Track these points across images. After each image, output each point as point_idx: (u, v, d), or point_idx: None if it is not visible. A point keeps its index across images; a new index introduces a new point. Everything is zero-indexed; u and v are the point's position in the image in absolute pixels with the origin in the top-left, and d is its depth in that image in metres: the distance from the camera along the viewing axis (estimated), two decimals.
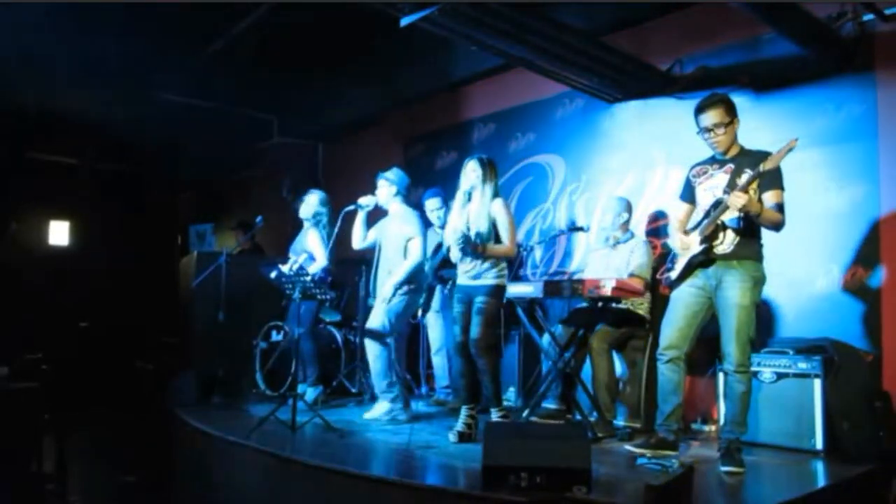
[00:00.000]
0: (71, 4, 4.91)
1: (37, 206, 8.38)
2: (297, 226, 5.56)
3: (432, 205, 5.36)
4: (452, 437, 3.87)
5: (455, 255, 4.02)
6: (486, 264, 3.94)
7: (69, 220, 8.72)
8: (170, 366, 5.95)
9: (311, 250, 5.19)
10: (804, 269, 4.23)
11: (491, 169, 4.03)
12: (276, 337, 5.51)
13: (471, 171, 4.04)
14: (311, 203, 5.36)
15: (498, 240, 3.95)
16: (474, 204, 4.02)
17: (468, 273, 4.00)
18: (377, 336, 4.47)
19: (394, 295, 4.45)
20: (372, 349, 4.49)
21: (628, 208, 4.66)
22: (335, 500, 3.21)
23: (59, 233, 8.68)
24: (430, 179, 6.27)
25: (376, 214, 4.85)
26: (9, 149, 7.55)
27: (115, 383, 6.62)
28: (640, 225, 4.95)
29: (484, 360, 3.91)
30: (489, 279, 3.94)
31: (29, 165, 8.05)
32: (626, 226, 4.63)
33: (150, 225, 9.13)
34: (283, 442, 3.77)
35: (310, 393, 5.16)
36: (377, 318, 4.49)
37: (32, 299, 7.46)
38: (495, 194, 4.00)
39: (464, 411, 4.01)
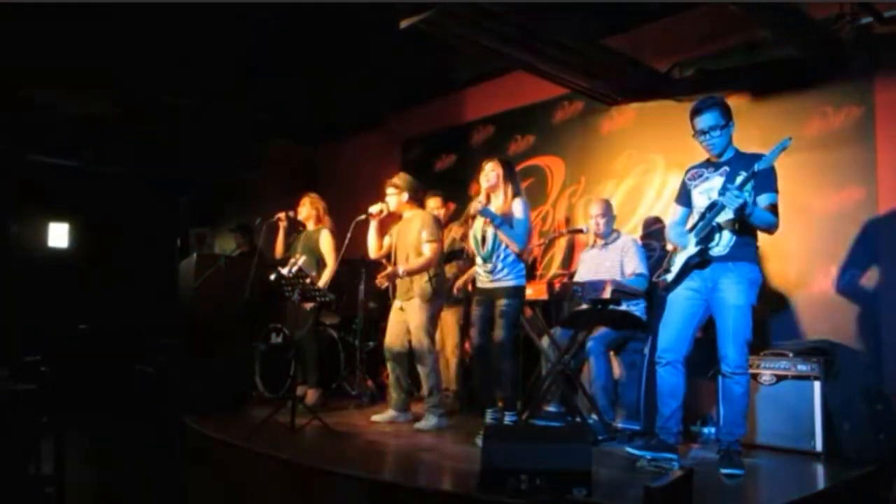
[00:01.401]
0: (71, 5, 4.91)
1: (37, 206, 8.37)
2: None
3: (432, 205, 5.36)
4: (480, 441, 3.82)
5: (479, 254, 4.02)
6: (505, 264, 3.95)
7: (69, 221, 8.71)
8: (169, 368, 5.94)
9: (323, 254, 5.19)
10: (803, 271, 4.24)
11: (510, 168, 4.05)
12: (275, 339, 5.50)
13: (490, 171, 4.05)
14: (307, 203, 5.36)
15: None
16: (496, 203, 4.04)
17: (488, 273, 4.00)
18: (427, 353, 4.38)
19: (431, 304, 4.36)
20: (424, 366, 4.39)
21: (612, 209, 4.67)
22: (335, 503, 3.21)
23: (58, 234, 8.66)
24: (428, 181, 6.27)
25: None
26: (9, 149, 7.54)
27: (114, 385, 6.60)
28: (638, 227, 4.96)
29: (506, 362, 3.91)
30: (510, 280, 3.95)
31: (29, 165, 8.03)
32: (612, 225, 4.64)
33: (150, 226, 9.10)
34: (282, 444, 3.77)
35: (310, 395, 5.16)
36: (419, 336, 4.36)
37: (32, 301, 7.45)
38: (517, 193, 4.01)
39: (489, 415, 4.02)
